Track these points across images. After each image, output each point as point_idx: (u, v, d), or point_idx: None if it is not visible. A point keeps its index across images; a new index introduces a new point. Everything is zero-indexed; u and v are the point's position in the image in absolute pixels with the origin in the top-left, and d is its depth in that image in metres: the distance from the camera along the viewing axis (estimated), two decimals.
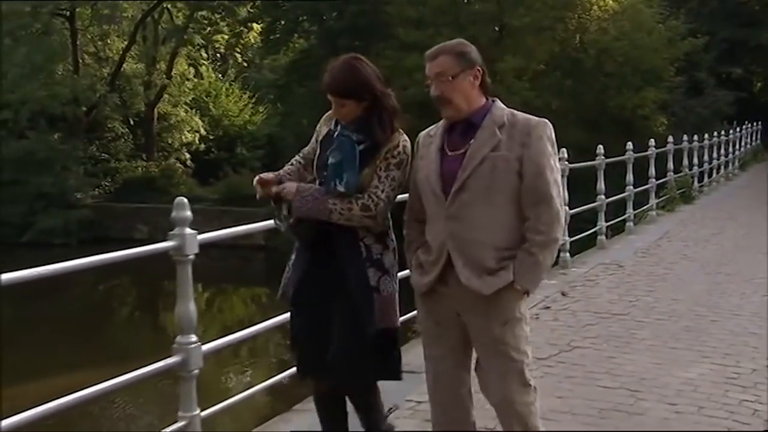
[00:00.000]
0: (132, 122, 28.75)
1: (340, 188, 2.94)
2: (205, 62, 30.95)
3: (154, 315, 18.63)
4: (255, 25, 28.35)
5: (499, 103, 2.87)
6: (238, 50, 32.61)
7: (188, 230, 3.24)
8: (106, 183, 26.50)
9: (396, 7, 20.95)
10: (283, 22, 23.94)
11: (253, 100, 31.11)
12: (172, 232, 3.24)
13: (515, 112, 2.86)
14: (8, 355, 11.23)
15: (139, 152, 27.97)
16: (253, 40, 30.56)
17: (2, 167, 24.03)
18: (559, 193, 2.79)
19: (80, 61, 26.48)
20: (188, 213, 3.27)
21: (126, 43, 27.43)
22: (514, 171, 2.74)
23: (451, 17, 21.18)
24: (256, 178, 3.09)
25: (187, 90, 28.95)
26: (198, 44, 29.29)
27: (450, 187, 2.78)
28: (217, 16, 27.00)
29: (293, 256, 3.15)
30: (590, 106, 20.64)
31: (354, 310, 2.96)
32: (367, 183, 2.97)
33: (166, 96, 27.98)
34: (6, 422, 2.64)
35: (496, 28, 21.71)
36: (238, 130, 30.00)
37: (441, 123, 2.92)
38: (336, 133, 3.05)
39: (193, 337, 3.26)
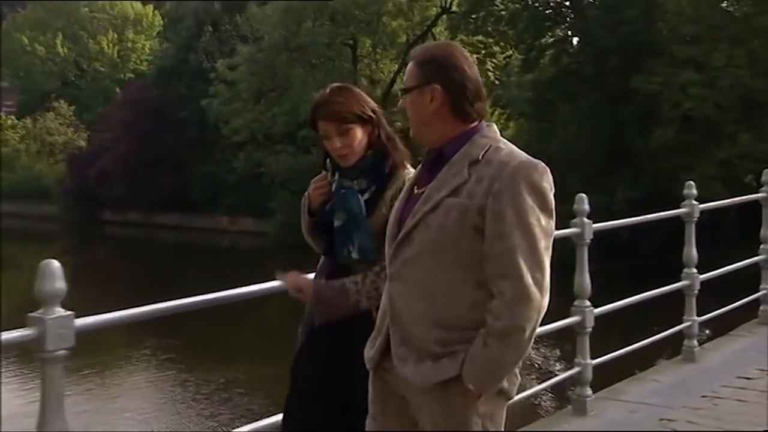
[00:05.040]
0: None
1: (354, 255, 2.47)
2: None
3: None
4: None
5: (489, 132, 2.12)
6: (490, 69, 34.11)
7: (59, 311, 2.20)
8: None
9: (670, 24, 21.17)
10: (546, 41, 25.06)
11: (504, 115, 32.38)
12: (32, 315, 2.22)
13: (503, 146, 2.08)
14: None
15: None
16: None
17: (295, 179, 27.50)
18: (539, 263, 1.99)
19: (357, 83, 29.53)
20: (59, 284, 2.21)
21: (396, 66, 30.21)
22: (472, 225, 2.01)
23: (727, 32, 20.96)
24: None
25: None
26: None
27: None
28: (491, 40, 28.93)
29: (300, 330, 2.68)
30: None
31: (356, 388, 2.41)
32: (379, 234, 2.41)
33: None
34: None
35: None
36: None
37: None
38: (334, 186, 2.58)
39: None
